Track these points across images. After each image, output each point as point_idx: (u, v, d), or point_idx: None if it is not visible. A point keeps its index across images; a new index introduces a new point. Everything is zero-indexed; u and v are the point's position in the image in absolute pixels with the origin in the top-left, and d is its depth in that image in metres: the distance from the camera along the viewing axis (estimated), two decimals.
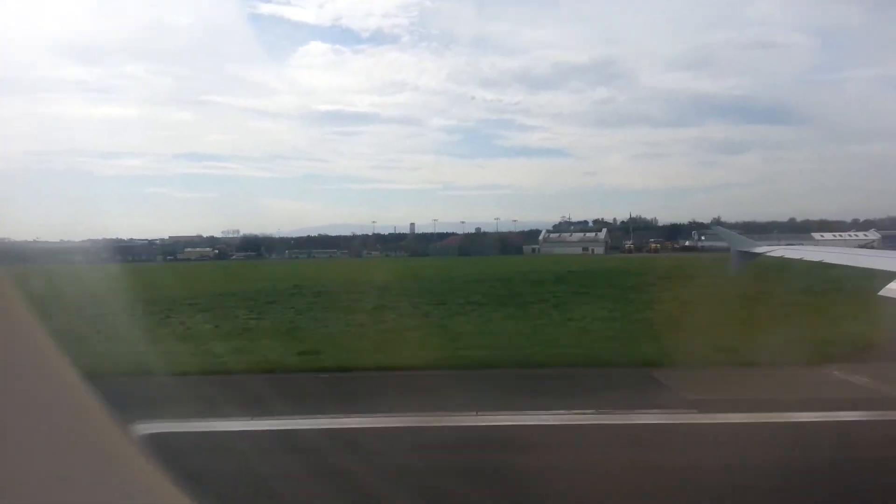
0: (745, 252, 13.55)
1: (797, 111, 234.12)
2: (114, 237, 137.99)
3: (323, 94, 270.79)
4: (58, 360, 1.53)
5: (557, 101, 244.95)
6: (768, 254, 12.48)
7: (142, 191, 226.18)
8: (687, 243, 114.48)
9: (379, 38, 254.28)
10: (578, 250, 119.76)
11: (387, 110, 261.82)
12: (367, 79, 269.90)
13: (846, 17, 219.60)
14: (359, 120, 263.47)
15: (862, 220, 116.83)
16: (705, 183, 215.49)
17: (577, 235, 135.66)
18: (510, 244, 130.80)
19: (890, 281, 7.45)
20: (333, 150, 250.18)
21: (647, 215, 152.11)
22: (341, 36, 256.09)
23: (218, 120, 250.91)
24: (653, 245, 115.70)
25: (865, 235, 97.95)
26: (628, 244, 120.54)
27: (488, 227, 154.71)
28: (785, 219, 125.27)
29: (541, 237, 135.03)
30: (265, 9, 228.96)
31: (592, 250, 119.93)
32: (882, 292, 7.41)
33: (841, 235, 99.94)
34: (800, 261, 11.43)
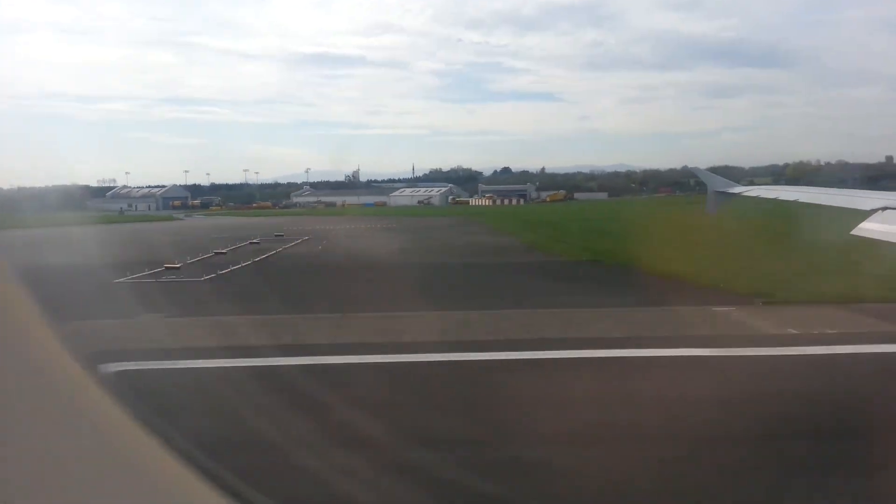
0: (722, 192, 13.50)
1: (789, 54, 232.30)
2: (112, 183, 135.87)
3: (306, 35, 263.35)
4: (19, 300, 1.54)
5: (546, 43, 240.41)
6: (745, 194, 12.46)
7: (126, 135, 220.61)
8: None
9: None
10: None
11: (372, 53, 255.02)
12: (351, 20, 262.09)
13: None
14: (344, 63, 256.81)
15: (861, 164, 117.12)
16: (698, 128, 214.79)
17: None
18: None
19: (863, 220, 7.42)
20: (321, 95, 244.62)
21: (640, 162, 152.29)
22: None
23: (200, 62, 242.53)
24: (549, 197, 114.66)
25: None
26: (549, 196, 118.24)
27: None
28: (780, 164, 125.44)
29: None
30: None
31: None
32: (854, 231, 7.37)
33: None
34: (775, 200, 11.41)
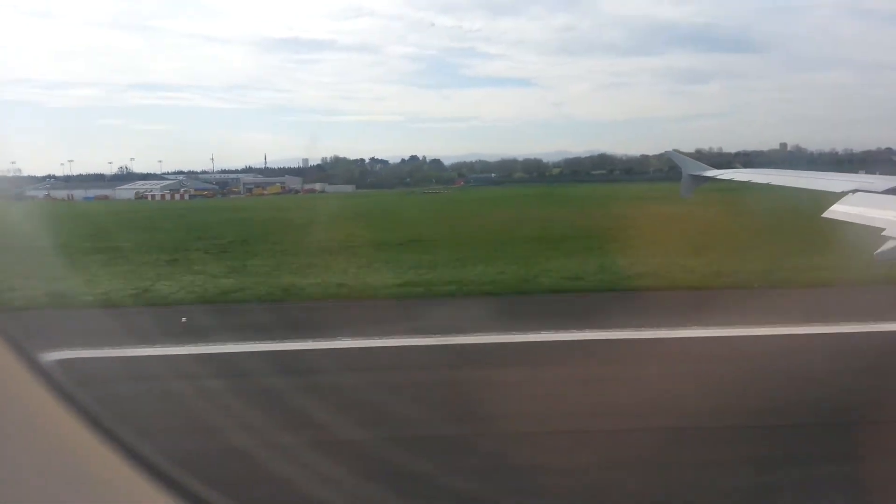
0: (696, 176, 13.52)
1: (759, 39, 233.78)
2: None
3: (276, 18, 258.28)
4: None
5: (519, 28, 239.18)
6: (718, 177, 12.49)
7: (95, 122, 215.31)
8: None
9: None
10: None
11: (344, 37, 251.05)
12: (322, 3, 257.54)
13: None
14: (316, 47, 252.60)
15: (827, 150, 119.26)
16: (672, 113, 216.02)
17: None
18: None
19: (834, 202, 7.43)
20: (293, 80, 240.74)
21: (615, 148, 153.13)
22: None
23: (169, 47, 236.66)
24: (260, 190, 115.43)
25: None
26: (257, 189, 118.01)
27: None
28: (755, 149, 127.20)
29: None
30: None
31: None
32: (826, 214, 7.38)
33: None
34: (748, 183, 11.47)
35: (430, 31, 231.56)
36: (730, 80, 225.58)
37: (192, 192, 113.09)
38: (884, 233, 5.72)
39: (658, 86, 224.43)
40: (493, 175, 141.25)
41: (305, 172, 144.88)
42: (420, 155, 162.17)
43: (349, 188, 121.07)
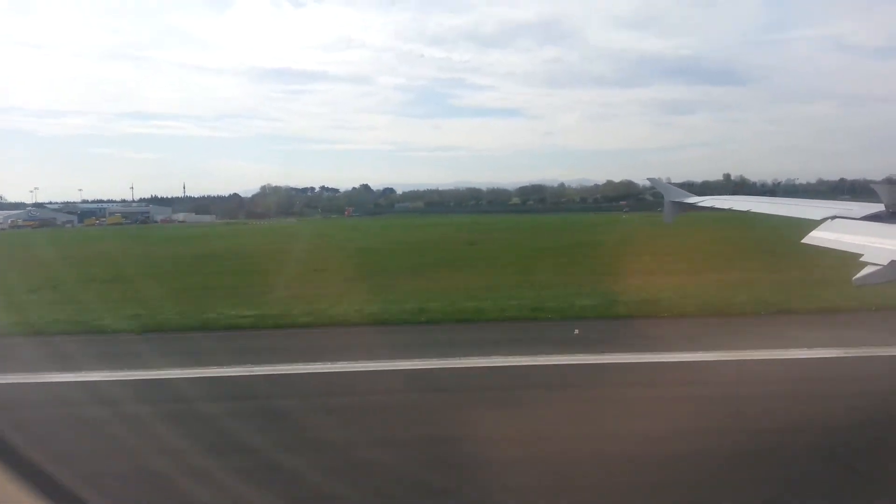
0: (679, 203, 13.64)
1: (744, 71, 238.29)
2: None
3: (267, 50, 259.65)
4: None
5: (507, 59, 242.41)
6: (699, 204, 12.62)
7: (85, 151, 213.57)
8: None
9: None
10: None
11: (335, 68, 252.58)
12: (312, 35, 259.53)
13: None
14: (307, 78, 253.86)
15: (815, 181, 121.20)
16: (659, 144, 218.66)
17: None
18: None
19: (813, 228, 7.52)
20: (284, 109, 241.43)
21: (603, 176, 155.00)
22: None
23: (161, 76, 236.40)
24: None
25: None
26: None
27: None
28: (737, 178, 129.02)
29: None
30: None
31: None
32: (805, 240, 7.46)
33: None
34: (729, 210, 11.58)
35: (420, 63, 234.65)
36: (715, 112, 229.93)
37: (13, 223, 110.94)
38: (862, 258, 5.78)
39: (645, 116, 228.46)
40: (421, 204, 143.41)
41: (198, 202, 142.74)
42: (400, 184, 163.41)
43: (208, 218, 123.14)
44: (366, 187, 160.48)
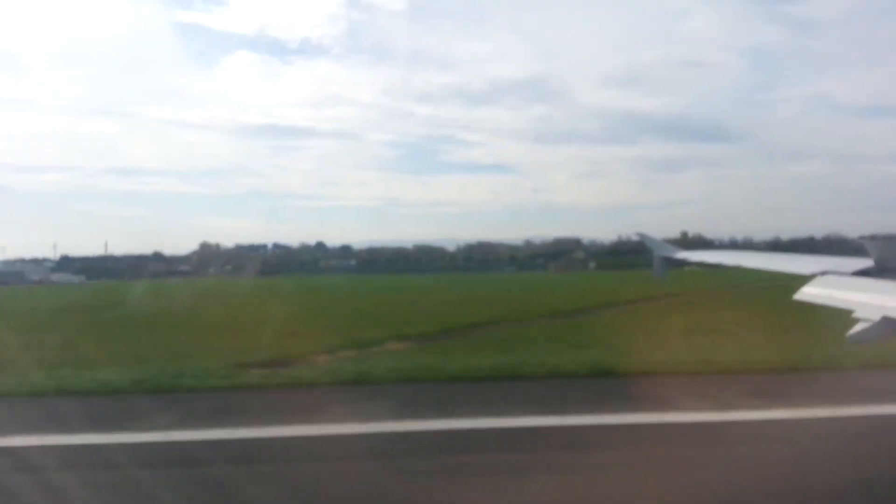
0: (668, 258, 13.58)
1: (732, 130, 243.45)
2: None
3: (255, 106, 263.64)
4: None
5: (496, 117, 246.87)
6: (689, 259, 12.56)
7: (68, 206, 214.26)
8: None
9: (308, 50, 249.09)
10: None
11: (323, 124, 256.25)
12: (300, 91, 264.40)
13: (772, 36, 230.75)
14: (295, 134, 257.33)
15: (805, 237, 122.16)
16: (650, 201, 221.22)
17: None
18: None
19: (804, 284, 7.39)
20: (272, 166, 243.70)
21: (593, 234, 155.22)
22: (269, 46, 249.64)
23: (145, 133, 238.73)
24: None
25: None
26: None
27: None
28: (727, 238, 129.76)
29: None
30: (186, 17, 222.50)
31: None
32: (796, 295, 7.33)
33: None
34: (719, 265, 11.52)
35: (409, 119, 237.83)
36: (705, 169, 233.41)
37: None
38: (854, 314, 5.62)
39: (634, 173, 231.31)
40: (352, 262, 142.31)
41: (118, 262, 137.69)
42: (388, 239, 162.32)
43: (77, 279, 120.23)
44: (319, 244, 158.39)
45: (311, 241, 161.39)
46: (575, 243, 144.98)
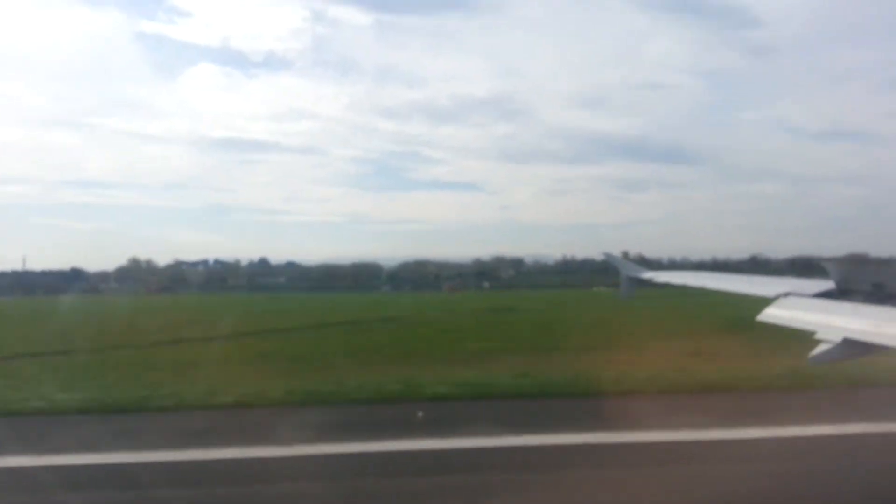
0: (634, 278, 13.65)
1: (693, 151, 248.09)
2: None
3: (217, 119, 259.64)
4: None
5: (461, 134, 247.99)
6: (655, 280, 12.61)
7: (29, 220, 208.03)
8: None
9: (272, 63, 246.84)
10: None
11: (287, 139, 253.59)
12: (263, 105, 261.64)
13: (731, 60, 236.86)
14: (258, 148, 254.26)
15: (761, 258, 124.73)
16: (613, 220, 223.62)
17: None
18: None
19: (766, 306, 7.45)
20: (235, 180, 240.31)
21: (559, 251, 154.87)
22: (232, 58, 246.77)
23: (106, 145, 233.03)
24: None
25: None
26: None
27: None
28: (694, 257, 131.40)
29: None
30: (149, 27, 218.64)
31: None
32: (760, 317, 7.38)
33: None
34: (684, 286, 11.59)
35: (374, 135, 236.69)
36: (666, 190, 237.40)
37: None
38: (816, 336, 5.66)
39: (598, 192, 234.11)
40: (282, 279, 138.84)
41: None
42: (351, 257, 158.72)
43: None
44: (263, 260, 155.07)
45: (273, 256, 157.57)
46: (517, 262, 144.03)
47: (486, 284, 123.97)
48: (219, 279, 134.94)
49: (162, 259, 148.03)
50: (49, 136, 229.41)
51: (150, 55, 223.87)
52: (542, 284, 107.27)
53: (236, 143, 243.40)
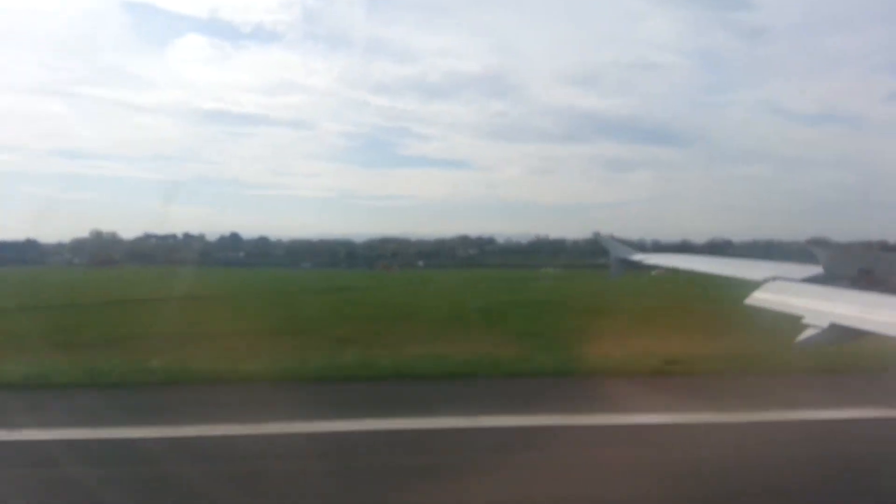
0: (624, 260, 13.63)
1: (683, 132, 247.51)
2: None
3: (206, 90, 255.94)
4: None
5: (452, 111, 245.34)
6: (644, 261, 12.61)
7: (13, 189, 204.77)
8: None
9: (261, 35, 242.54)
10: None
11: (276, 112, 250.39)
12: (253, 77, 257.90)
13: (723, 41, 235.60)
14: (247, 121, 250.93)
15: (752, 241, 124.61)
16: (602, 200, 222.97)
17: None
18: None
19: (755, 289, 7.45)
20: (223, 152, 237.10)
21: (548, 231, 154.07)
22: (221, 29, 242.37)
23: (93, 114, 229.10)
24: None
25: None
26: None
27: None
28: (679, 239, 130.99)
29: None
30: None
31: None
32: (747, 300, 7.38)
33: None
34: (674, 269, 11.58)
35: (365, 110, 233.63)
36: (656, 170, 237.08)
37: None
38: (803, 321, 5.67)
39: (588, 172, 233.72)
40: (241, 254, 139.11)
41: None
42: (345, 233, 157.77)
43: None
44: (234, 235, 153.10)
45: (256, 231, 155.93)
46: (487, 241, 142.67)
47: (421, 263, 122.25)
48: (185, 253, 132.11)
49: (131, 232, 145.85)
50: (35, 105, 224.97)
51: (138, 25, 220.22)
52: (496, 264, 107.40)
53: (225, 115, 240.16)
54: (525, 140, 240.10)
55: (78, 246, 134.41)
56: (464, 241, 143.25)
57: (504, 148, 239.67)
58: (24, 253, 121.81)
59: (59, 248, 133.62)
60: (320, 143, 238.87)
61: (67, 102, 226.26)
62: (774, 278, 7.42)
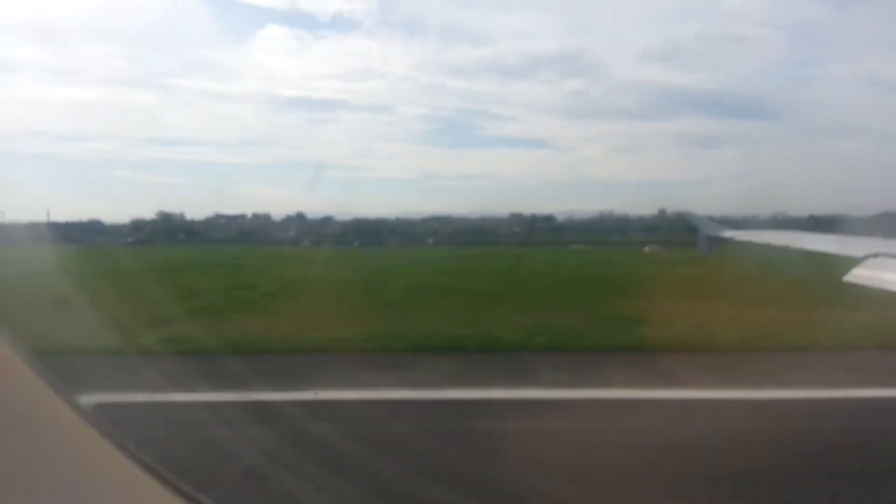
0: (714, 237, 13.46)
1: (771, 107, 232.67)
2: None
3: (287, 79, 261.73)
4: None
5: (530, 91, 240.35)
6: (735, 238, 12.40)
7: (109, 174, 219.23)
8: None
9: (339, 24, 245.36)
10: None
11: (356, 97, 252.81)
12: (332, 65, 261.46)
13: (814, 12, 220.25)
14: (328, 107, 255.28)
15: (846, 216, 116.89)
16: (686, 177, 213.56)
17: None
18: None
19: (854, 266, 7.31)
20: (306, 137, 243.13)
21: (628, 209, 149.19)
22: (300, 20, 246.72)
23: (183, 103, 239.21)
24: None
25: None
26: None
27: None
28: (767, 215, 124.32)
29: None
30: None
31: None
32: (848, 277, 7.28)
33: None
34: (767, 245, 11.35)
35: (442, 93, 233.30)
36: (744, 147, 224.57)
37: None
38: None
39: (672, 149, 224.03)
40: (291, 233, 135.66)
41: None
42: (421, 213, 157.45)
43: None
44: (300, 215, 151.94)
45: (337, 212, 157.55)
46: (546, 219, 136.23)
47: (430, 241, 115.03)
48: (250, 232, 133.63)
49: (201, 213, 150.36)
50: (129, 96, 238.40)
51: (220, 18, 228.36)
52: (584, 241, 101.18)
53: (306, 102, 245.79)
54: (605, 118, 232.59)
55: (139, 226, 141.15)
56: (515, 218, 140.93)
57: (584, 127, 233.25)
58: (89, 233, 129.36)
59: (119, 229, 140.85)
60: (399, 126, 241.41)
61: (158, 93, 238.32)
62: (875, 255, 7.25)
